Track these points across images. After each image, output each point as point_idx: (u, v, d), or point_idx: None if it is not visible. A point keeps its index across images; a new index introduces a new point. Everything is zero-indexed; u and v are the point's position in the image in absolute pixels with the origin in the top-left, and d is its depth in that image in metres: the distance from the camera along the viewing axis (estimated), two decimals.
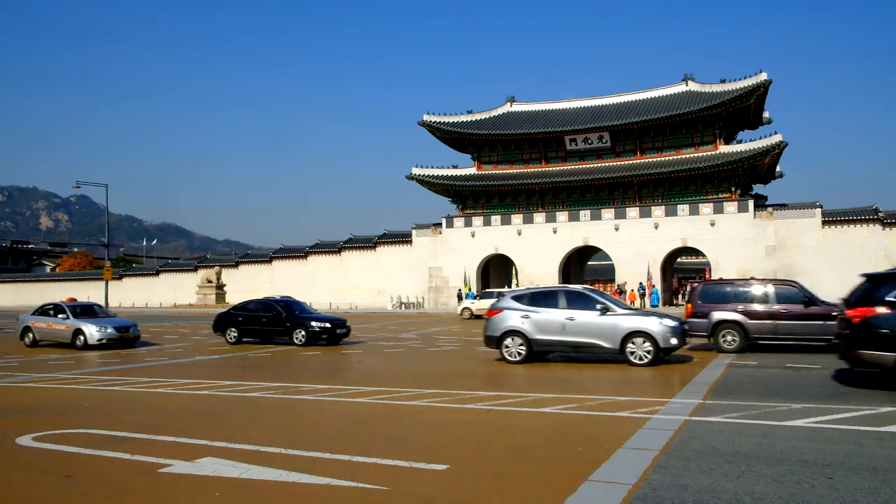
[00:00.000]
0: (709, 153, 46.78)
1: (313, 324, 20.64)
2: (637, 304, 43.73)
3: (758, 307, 15.89)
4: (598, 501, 5.24)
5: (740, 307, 16.01)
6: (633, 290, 45.59)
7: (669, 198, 47.73)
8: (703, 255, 48.00)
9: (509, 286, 50.83)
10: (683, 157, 47.56)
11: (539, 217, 50.16)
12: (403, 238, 55.47)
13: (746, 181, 48.08)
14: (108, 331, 20.73)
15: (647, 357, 12.86)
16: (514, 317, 13.99)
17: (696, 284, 18.19)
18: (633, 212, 47.73)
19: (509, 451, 7.00)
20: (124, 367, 16.05)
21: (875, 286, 10.09)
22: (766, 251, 43.72)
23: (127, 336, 21.28)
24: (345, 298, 56.08)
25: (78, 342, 20.57)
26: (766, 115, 50.24)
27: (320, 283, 58.12)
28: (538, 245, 49.67)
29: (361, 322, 34.46)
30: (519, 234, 50.44)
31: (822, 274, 41.80)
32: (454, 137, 53.65)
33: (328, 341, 20.98)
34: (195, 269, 66.68)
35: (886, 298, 9.75)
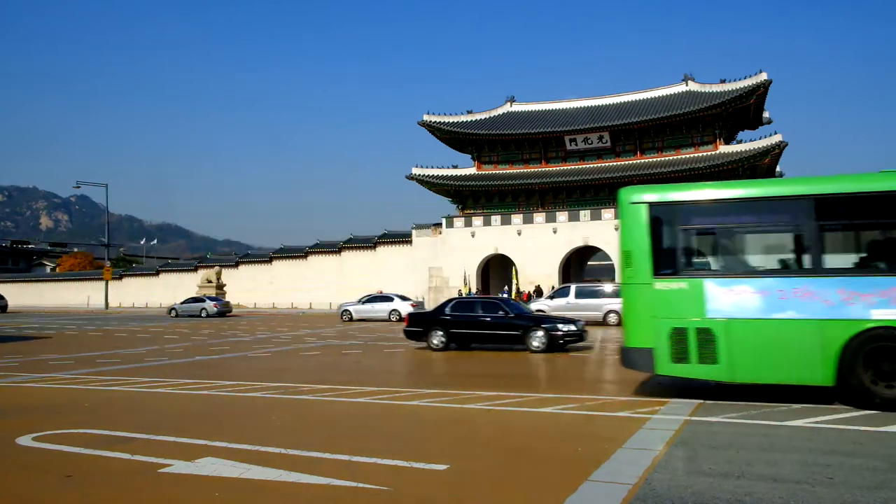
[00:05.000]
0: (709, 153, 46.76)
1: None
2: None
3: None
4: (598, 501, 5.24)
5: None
6: None
7: None
8: None
9: (509, 286, 50.93)
10: (683, 157, 47.55)
11: (539, 217, 50.13)
12: (403, 238, 55.44)
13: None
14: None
15: None
16: None
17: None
18: None
19: (509, 451, 7.00)
20: (124, 366, 16.05)
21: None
22: None
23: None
24: (345, 298, 55.91)
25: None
26: (766, 115, 50.20)
27: (320, 283, 58.10)
28: (538, 245, 49.65)
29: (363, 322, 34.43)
30: (519, 234, 50.43)
31: None
32: (454, 137, 53.63)
33: None
34: (195, 269, 66.59)
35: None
